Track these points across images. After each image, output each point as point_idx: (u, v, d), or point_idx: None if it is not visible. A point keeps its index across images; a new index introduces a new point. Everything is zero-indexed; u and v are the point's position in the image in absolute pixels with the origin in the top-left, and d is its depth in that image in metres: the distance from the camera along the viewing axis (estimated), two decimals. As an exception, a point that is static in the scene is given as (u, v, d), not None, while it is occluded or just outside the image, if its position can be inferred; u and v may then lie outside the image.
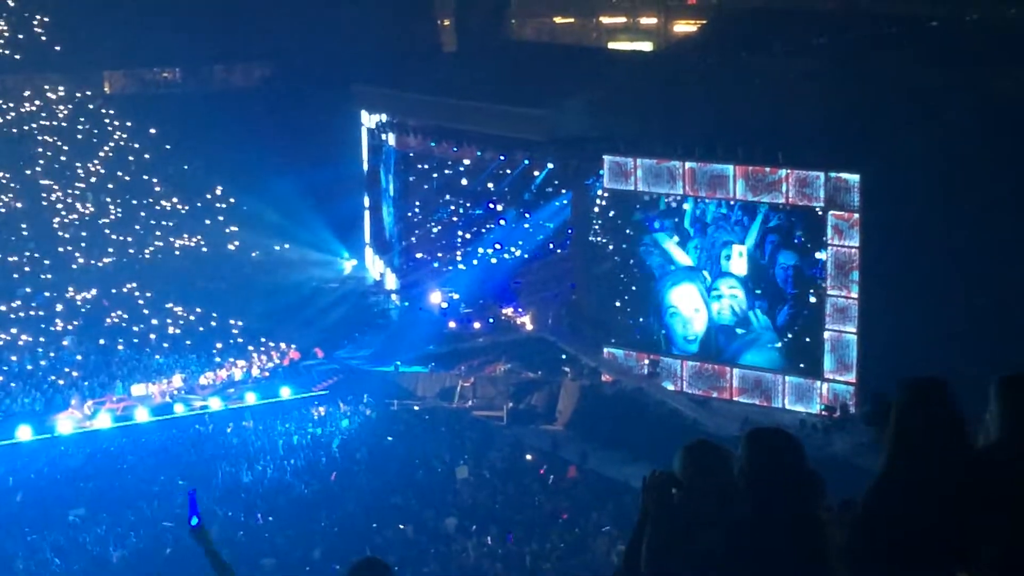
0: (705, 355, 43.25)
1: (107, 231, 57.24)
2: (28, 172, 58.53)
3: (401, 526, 35.08)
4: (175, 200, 59.40)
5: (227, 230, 59.02)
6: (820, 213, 39.99)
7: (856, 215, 39.39)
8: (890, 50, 42.38)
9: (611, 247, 45.43)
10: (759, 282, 41.86)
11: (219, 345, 48.48)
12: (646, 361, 44.30)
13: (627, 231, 44.63)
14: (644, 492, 6.45)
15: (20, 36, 61.48)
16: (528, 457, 40.76)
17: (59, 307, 51.45)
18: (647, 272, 44.29)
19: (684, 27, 70.18)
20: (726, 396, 42.74)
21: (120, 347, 48.38)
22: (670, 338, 43.87)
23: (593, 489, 37.96)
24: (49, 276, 54.08)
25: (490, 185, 52.38)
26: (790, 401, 41.52)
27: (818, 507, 5.89)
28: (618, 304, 45.14)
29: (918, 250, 37.21)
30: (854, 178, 39.22)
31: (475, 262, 53.10)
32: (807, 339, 41.05)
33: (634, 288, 44.76)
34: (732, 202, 41.73)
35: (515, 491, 38.15)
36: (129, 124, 61.31)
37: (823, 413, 40.19)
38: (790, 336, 41.45)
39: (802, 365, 41.17)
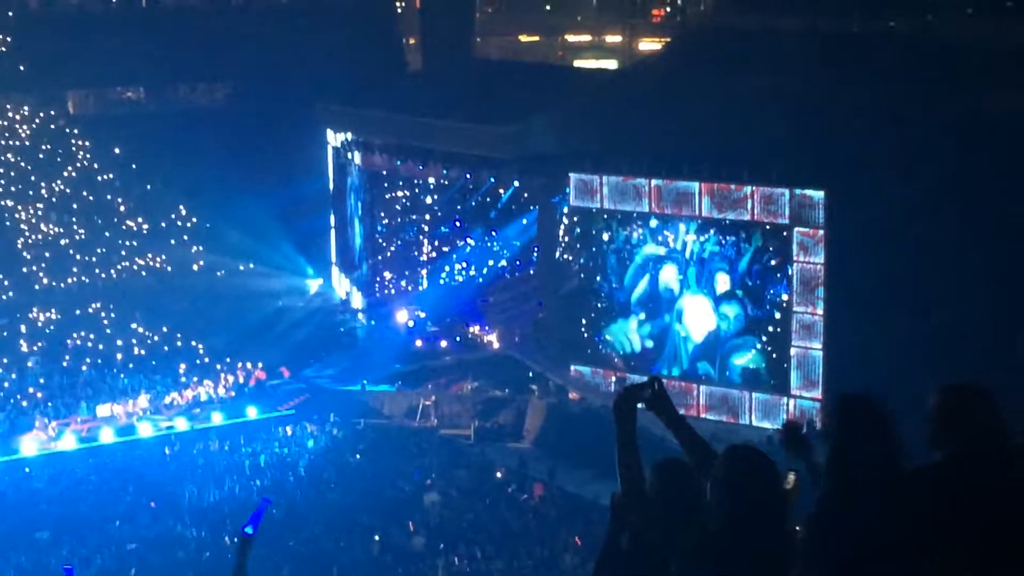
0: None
1: (71, 251, 56.97)
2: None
3: (376, 537, 35.02)
4: (140, 220, 59.18)
5: (192, 250, 58.82)
6: (785, 232, 40.17)
7: (821, 232, 39.55)
8: (853, 67, 42.61)
9: (577, 265, 45.48)
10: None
11: (184, 365, 48.23)
12: (613, 379, 44.31)
13: (593, 248, 44.67)
14: (612, 509, 6.50)
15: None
16: (498, 474, 40.74)
17: (23, 328, 51.19)
18: (614, 287, 44.36)
19: (649, 45, 70.52)
20: (693, 413, 42.69)
21: (85, 368, 48.09)
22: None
23: (561, 506, 37.97)
24: (16, 295, 53.82)
25: (456, 204, 52.43)
26: (757, 418, 41.59)
27: (787, 521, 5.95)
28: (585, 322, 45.16)
29: (883, 266, 37.39)
30: (819, 195, 39.40)
31: (441, 280, 53.13)
32: (774, 355, 41.18)
33: (600, 305, 44.80)
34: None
35: (483, 509, 38.10)
36: (93, 144, 61.10)
37: (789, 429, 40.22)
38: (760, 347, 41.61)
39: (773, 382, 41.26)
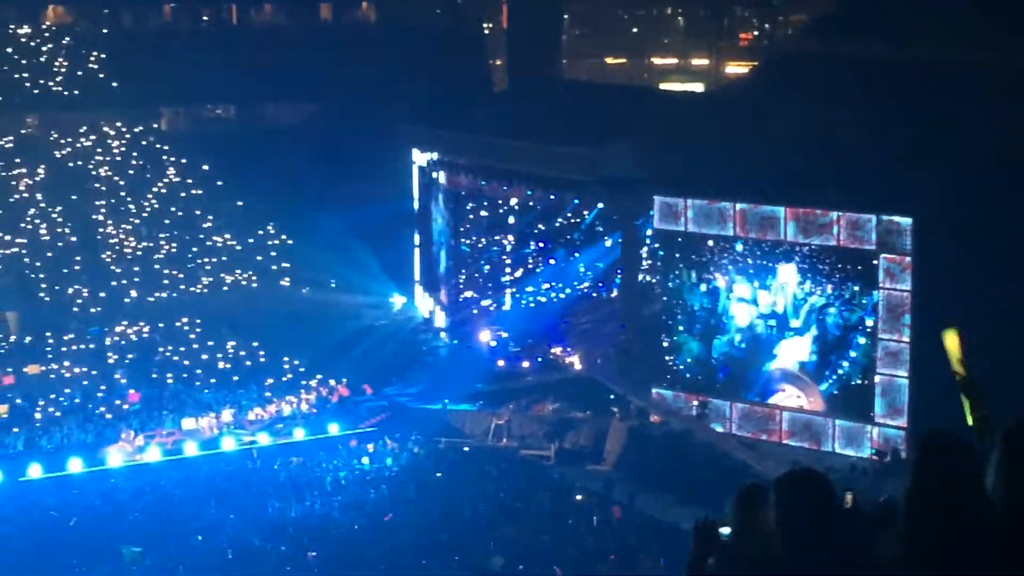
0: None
1: (159, 266, 57.68)
2: (83, 207, 59.12)
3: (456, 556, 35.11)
4: (227, 236, 59.80)
5: (278, 266, 59.33)
6: (872, 259, 39.87)
7: (908, 258, 39.20)
8: (942, 94, 42.24)
9: (660, 288, 45.40)
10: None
11: (269, 380, 48.65)
12: (695, 402, 44.14)
13: (677, 271, 44.53)
14: (694, 538, 6.47)
15: (78, 73, 62.24)
16: (578, 497, 40.66)
17: (110, 341, 51.91)
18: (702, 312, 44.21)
19: (735, 68, 70.31)
20: (775, 439, 42.53)
21: (171, 381, 48.65)
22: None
23: (641, 530, 37.82)
24: (101, 310, 54.53)
25: (540, 224, 52.49)
26: (840, 445, 41.23)
27: (862, 550, 5.89)
28: (666, 344, 45.03)
29: (971, 293, 36.94)
30: (906, 221, 39.07)
31: (524, 301, 53.17)
32: (858, 382, 40.83)
33: (682, 328, 44.65)
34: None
35: (562, 531, 38.05)
36: (183, 160, 61.89)
37: (874, 457, 39.93)
38: (837, 378, 41.27)
39: (857, 408, 40.86)
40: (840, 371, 41.25)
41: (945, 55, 44.90)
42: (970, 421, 6.21)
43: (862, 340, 40.67)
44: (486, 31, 75.06)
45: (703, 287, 43.79)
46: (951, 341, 6.42)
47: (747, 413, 43.28)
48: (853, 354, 40.89)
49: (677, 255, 44.44)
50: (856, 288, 40.58)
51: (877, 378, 40.27)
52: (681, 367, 44.72)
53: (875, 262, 39.94)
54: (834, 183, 40.46)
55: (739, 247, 42.87)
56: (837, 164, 40.36)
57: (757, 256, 42.49)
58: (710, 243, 43.50)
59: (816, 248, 41.07)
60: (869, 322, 40.39)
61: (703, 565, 6.43)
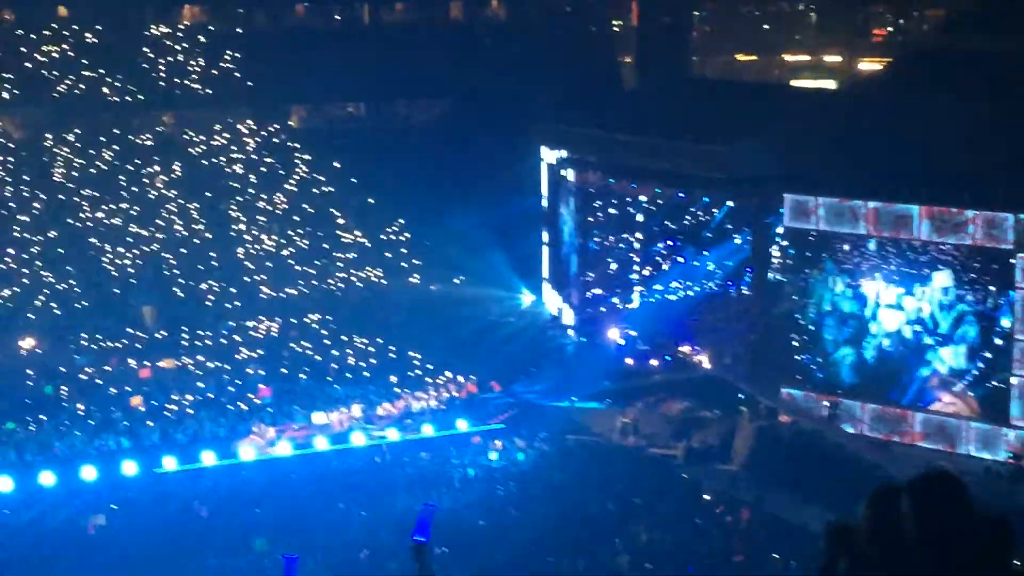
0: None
1: (291, 263, 58.35)
2: (217, 204, 60.02)
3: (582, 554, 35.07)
4: (358, 233, 60.32)
5: (408, 263, 59.71)
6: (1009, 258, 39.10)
7: (1047, 257, 38.42)
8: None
9: (790, 286, 44.95)
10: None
11: (397, 377, 48.97)
12: (826, 403, 43.63)
13: (818, 273, 44.02)
14: (826, 540, 6.36)
15: (213, 72, 63.26)
16: (706, 497, 40.45)
17: (242, 336, 52.60)
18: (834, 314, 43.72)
19: (869, 65, 69.38)
20: (908, 440, 41.90)
21: (302, 376, 49.21)
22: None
23: (769, 531, 37.52)
24: (238, 304, 55.27)
25: (669, 222, 52.24)
26: (975, 448, 40.51)
27: (1002, 559, 5.74)
28: (797, 343, 44.58)
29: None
30: (1045, 219, 38.29)
31: (653, 299, 52.95)
32: (994, 384, 40.06)
33: (812, 328, 44.17)
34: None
35: (690, 530, 37.87)
36: (313, 158, 62.56)
37: (1010, 461, 39.16)
38: (974, 380, 40.53)
39: (993, 410, 40.10)
40: (977, 373, 40.55)
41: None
42: None
43: (998, 341, 39.92)
44: (616, 29, 74.93)
45: (849, 291, 43.27)
46: None
47: (879, 414, 42.67)
48: (989, 355, 40.17)
49: (808, 254, 44.01)
50: (993, 288, 39.87)
51: (1014, 380, 39.50)
52: (814, 367, 44.29)
53: (1012, 261, 39.23)
54: (970, 181, 39.74)
55: (872, 246, 42.37)
56: (973, 161, 39.61)
57: (897, 258, 41.85)
58: (842, 243, 43.03)
59: (953, 248, 40.42)
60: (1006, 322, 39.67)
61: (835, 568, 6.34)
